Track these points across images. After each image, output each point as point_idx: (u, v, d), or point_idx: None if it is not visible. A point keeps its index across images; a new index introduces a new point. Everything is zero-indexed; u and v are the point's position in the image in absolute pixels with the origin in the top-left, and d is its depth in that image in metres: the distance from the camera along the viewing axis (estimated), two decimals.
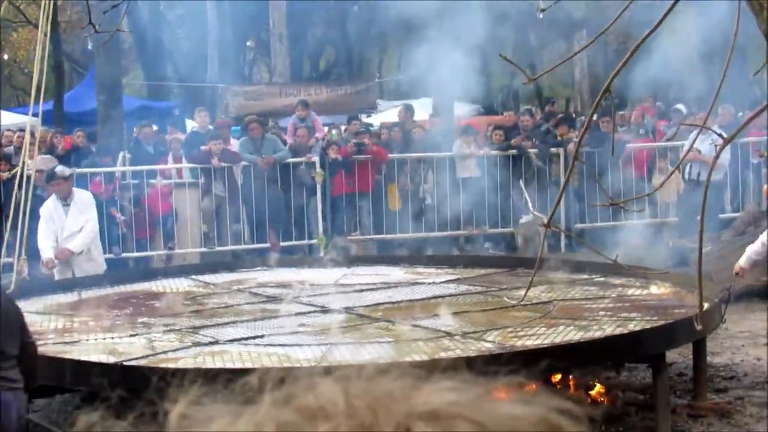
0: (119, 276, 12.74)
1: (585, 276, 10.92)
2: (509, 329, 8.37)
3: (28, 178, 10.98)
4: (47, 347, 8.40)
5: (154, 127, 20.14)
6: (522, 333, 8.21)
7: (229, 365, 7.41)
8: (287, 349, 7.92)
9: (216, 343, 8.35)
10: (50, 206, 12.67)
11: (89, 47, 35.48)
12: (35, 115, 12.16)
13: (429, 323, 8.68)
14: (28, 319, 9.82)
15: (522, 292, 9.72)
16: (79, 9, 32.87)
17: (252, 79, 46.68)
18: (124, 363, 7.48)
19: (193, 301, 10.64)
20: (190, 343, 8.37)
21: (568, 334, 8.10)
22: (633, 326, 8.28)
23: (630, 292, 10.01)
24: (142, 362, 7.62)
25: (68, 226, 12.55)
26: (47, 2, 10.16)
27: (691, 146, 12.57)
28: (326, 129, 22.89)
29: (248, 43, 46.93)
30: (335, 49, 48.33)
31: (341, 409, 1.10)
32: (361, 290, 10.92)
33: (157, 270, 14.21)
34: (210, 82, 34.31)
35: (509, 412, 1.09)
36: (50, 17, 10.39)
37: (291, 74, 34.85)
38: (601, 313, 9.02)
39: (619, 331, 8.11)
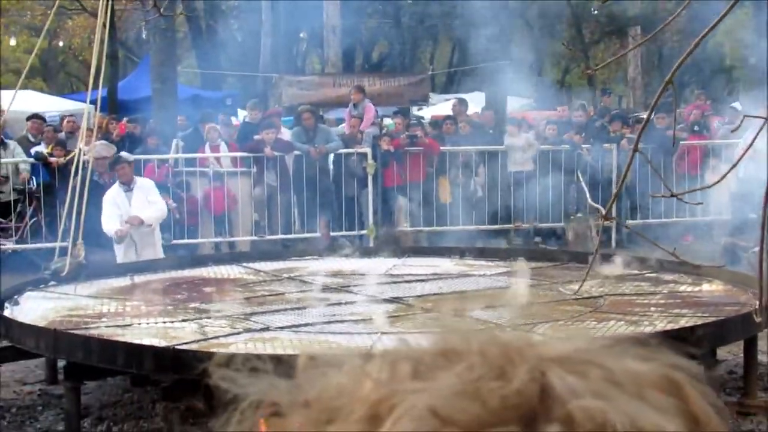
0: (172, 262, 12.86)
1: (636, 271, 10.88)
2: (560, 322, 8.36)
3: (85, 163, 11.08)
4: (99, 330, 8.49)
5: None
6: (572, 326, 8.20)
7: (270, 352, 7.43)
8: (338, 336, 7.97)
9: (267, 329, 8.40)
10: (114, 192, 12.97)
11: (143, 35, 35.72)
12: (92, 102, 12.25)
13: (480, 315, 8.67)
14: (82, 303, 10.00)
15: (573, 286, 9.71)
16: None
17: (304, 70, 46.78)
18: (176, 347, 7.53)
19: (245, 288, 10.70)
20: (241, 330, 8.42)
21: (618, 328, 8.09)
22: (684, 322, 8.24)
23: (682, 288, 9.96)
24: (194, 347, 7.67)
25: (132, 211, 12.80)
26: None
27: (752, 143, 12.41)
28: (380, 119, 22.91)
29: (301, 34, 47.03)
30: (388, 41, 48.33)
31: (474, 349, 1.12)
32: (412, 281, 10.93)
33: (209, 257, 14.31)
34: (263, 72, 34.44)
35: (634, 365, 1.12)
36: (109, 7, 10.46)
37: (343, 66, 34.91)
38: (653, 308, 9.00)
39: (670, 326, 8.08)
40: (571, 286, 9.85)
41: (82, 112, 24.08)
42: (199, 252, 17.01)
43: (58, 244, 11.40)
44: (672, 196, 4.77)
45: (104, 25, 10.43)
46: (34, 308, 9.65)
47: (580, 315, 8.72)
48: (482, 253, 13.00)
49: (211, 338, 8.05)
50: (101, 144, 14.81)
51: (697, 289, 9.91)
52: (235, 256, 13.45)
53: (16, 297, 10.02)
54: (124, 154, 13.75)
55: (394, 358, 1.17)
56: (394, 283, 10.83)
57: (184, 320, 8.89)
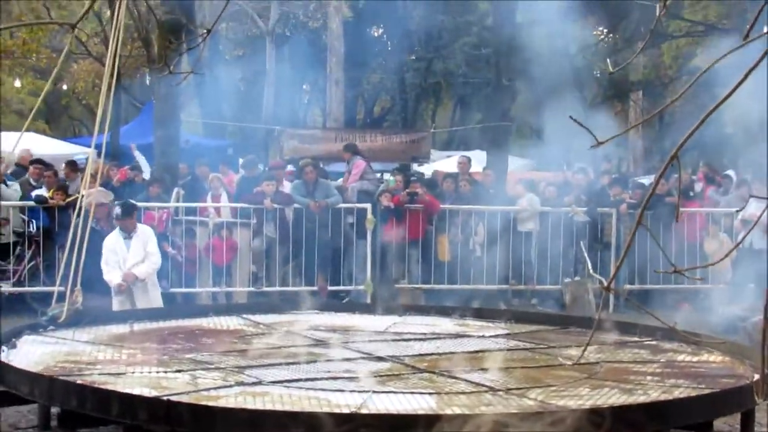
0: (171, 311, 12.88)
1: (636, 339, 10.86)
2: (553, 388, 8.30)
3: (87, 208, 11.09)
4: (93, 377, 8.47)
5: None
6: (565, 393, 8.14)
7: (269, 407, 7.42)
8: (328, 393, 7.92)
9: (259, 383, 8.36)
10: (113, 239, 13.10)
11: (147, 82, 35.88)
12: (98, 147, 12.28)
13: (474, 377, 8.64)
14: (78, 348, 9.97)
15: (571, 351, 9.70)
16: (138, 44, 33.26)
17: (306, 122, 46.98)
18: (168, 398, 7.49)
19: (242, 341, 10.67)
20: (233, 382, 8.37)
21: (611, 396, 8.04)
22: (678, 393, 8.20)
23: (680, 358, 9.91)
24: (184, 398, 7.64)
25: (131, 259, 12.96)
26: (115, 41, 10.28)
27: (758, 220, 12.48)
28: (381, 175, 22.95)
29: (304, 87, 47.27)
30: (390, 97, 48.57)
31: None
32: (410, 339, 10.90)
33: (209, 307, 14.31)
34: (265, 122, 34.58)
35: None
36: (116, 55, 10.50)
37: (345, 119, 35.05)
38: (648, 377, 8.93)
39: (664, 397, 8.03)
40: (569, 352, 9.83)
41: (82, 157, 24.17)
42: (197, 301, 17.03)
43: (56, 289, 11.37)
44: (675, 271, 4.77)
45: (111, 74, 10.44)
46: (31, 352, 9.62)
47: (575, 381, 8.67)
48: (482, 314, 12.96)
49: (202, 390, 8.01)
50: (99, 191, 14.84)
51: (695, 359, 9.86)
52: (235, 307, 13.42)
53: (13, 340, 9.99)
54: (132, 204, 13.89)
55: None
56: (393, 341, 10.81)
57: (178, 371, 8.84)
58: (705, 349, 10.09)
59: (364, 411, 7.21)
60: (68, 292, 10.99)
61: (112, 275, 12.98)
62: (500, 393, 8.00)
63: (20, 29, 34.75)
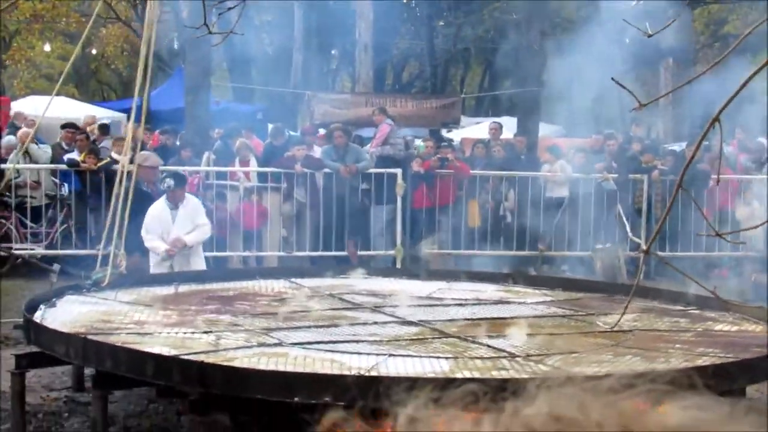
0: (218, 273, 12.93)
1: (680, 307, 10.77)
2: (574, 355, 8.26)
3: (128, 174, 11.13)
4: (120, 337, 8.52)
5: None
6: (585, 359, 8.10)
7: (271, 367, 7.44)
8: (344, 356, 7.93)
9: (280, 344, 8.37)
10: (159, 208, 12.99)
11: (176, 47, 35.88)
12: (136, 111, 12.27)
13: (498, 342, 8.59)
14: (116, 308, 10.03)
15: (609, 319, 9.63)
16: (168, 9, 33.23)
17: (335, 87, 46.90)
18: (201, 360, 7.51)
19: (281, 303, 10.69)
20: (255, 343, 8.39)
21: (631, 364, 7.97)
22: (700, 362, 8.11)
23: (718, 327, 9.79)
24: (201, 357, 7.67)
25: (174, 229, 12.87)
26: (152, 7, 10.29)
27: None
28: (411, 139, 22.89)
29: (332, 52, 47.16)
30: (419, 62, 48.39)
31: (592, 421, 1.11)
32: (449, 305, 10.87)
33: (257, 270, 14.37)
34: (293, 87, 34.54)
35: None
36: (154, 19, 10.51)
37: (374, 84, 34.95)
38: (677, 345, 8.84)
39: (684, 365, 7.93)
40: (607, 318, 9.76)
41: (115, 120, 24.23)
42: (228, 265, 17.09)
43: (99, 253, 11.42)
44: (716, 235, 4.75)
45: (148, 40, 10.45)
46: (67, 312, 9.67)
47: (600, 348, 8.61)
48: (534, 281, 12.90)
49: (221, 350, 8.04)
50: (147, 154, 14.90)
51: (734, 328, 9.75)
52: (283, 271, 13.33)
53: (54, 300, 10.05)
54: (186, 175, 13.96)
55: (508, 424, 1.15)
56: (430, 306, 10.79)
57: (206, 332, 8.85)
58: (746, 318, 10.00)
59: (372, 373, 7.22)
60: (112, 256, 11.05)
61: (154, 243, 12.93)
62: (518, 358, 7.97)
63: None
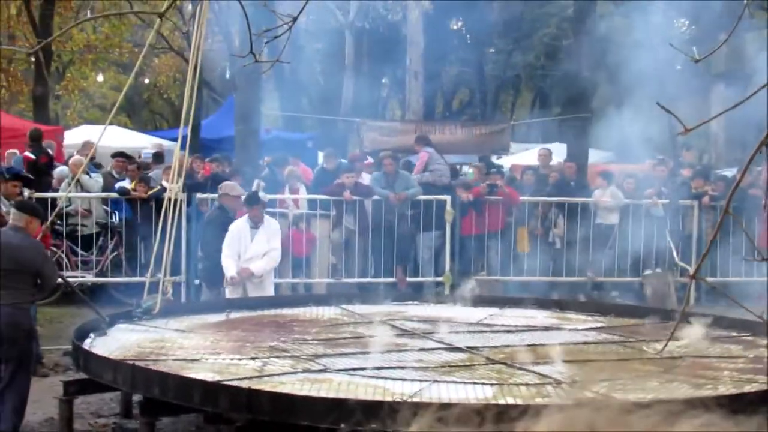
0: (271, 300, 13.02)
1: (734, 333, 10.66)
2: (620, 381, 8.19)
3: (175, 201, 11.23)
4: (168, 363, 8.58)
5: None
6: (631, 386, 8.03)
7: (314, 394, 7.46)
8: (388, 382, 7.94)
9: (324, 371, 8.40)
10: (240, 226, 13.42)
11: (227, 76, 36.12)
12: (183, 142, 12.38)
13: (545, 369, 8.56)
14: (165, 335, 10.10)
15: (659, 345, 9.54)
16: (220, 38, 33.50)
17: (385, 115, 47.00)
18: (249, 386, 7.54)
19: (330, 330, 10.72)
20: (300, 369, 8.44)
21: (678, 391, 7.88)
22: (748, 388, 8.01)
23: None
24: (244, 383, 7.71)
25: (252, 249, 13.17)
26: (198, 35, 10.39)
27: None
28: (460, 167, 22.91)
29: (383, 80, 47.29)
30: (469, 89, 48.42)
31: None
32: (498, 331, 10.86)
33: (309, 296, 14.47)
34: (344, 115, 34.64)
35: None
36: (200, 49, 10.62)
37: (424, 112, 35.00)
38: (726, 373, 8.76)
39: (731, 392, 7.83)
40: (657, 345, 9.67)
41: (168, 149, 24.39)
42: (279, 292, 17.15)
43: (147, 280, 11.54)
44: (764, 260, 4.72)
45: (194, 68, 10.55)
46: (116, 340, 9.78)
47: (648, 375, 8.55)
48: (584, 308, 12.84)
49: (265, 376, 8.08)
50: (229, 184, 15.18)
51: None
52: (335, 298, 13.36)
53: (104, 328, 10.14)
54: (261, 194, 14.15)
55: None
56: (480, 332, 10.78)
57: (253, 358, 8.92)
58: None
59: (415, 399, 7.22)
60: (161, 284, 11.16)
61: (228, 263, 13.20)
62: (564, 385, 7.94)
63: (103, 24, 35.18)
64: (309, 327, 10.94)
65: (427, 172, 19.26)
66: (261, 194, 14.45)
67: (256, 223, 13.33)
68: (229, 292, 13.38)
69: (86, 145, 22.49)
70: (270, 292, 13.76)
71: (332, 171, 18.92)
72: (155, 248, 11.36)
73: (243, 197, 13.95)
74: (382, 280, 17.76)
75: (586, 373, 8.45)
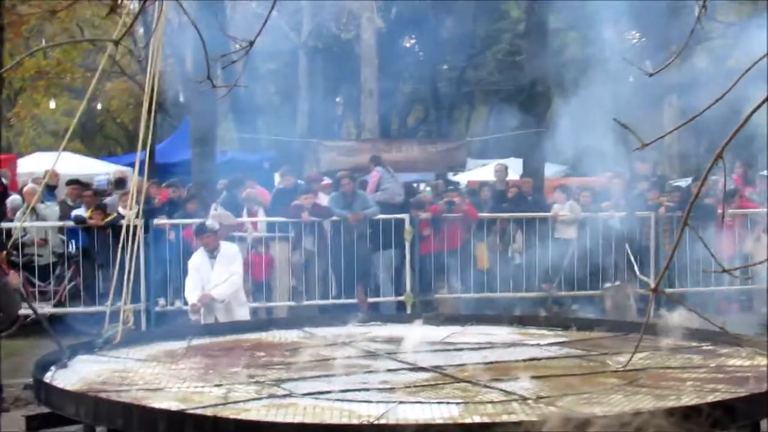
0: (232, 326, 12.97)
1: (694, 344, 10.70)
2: (585, 395, 8.22)
3: (134, 228, 11.16)
4: (131, 393, 8.52)
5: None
6: (596, 400, 8.05)
7: (279, 419, 7.44)
8: (353, 404, 7.91)
9: (290, 395, 8.37)
10: (198, 259, 13.35)
11: (181, 99, 36.03)
12: (141, 168, 12.35)
13: (509, 386, 8.55)
14: (128, 366, 10.02)
15: (622, 358, 9.58)
16: (172, 61, 33.38)
17: (341, 134, 47.04)
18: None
19: (294, 354, 10.67)
20: (265, 395, 8.40)
21: (641, 402, 7.92)
22: (711, 398, 8.06)
23: (732, 362, 9.74)
24: (209, 411, 7.68)
25: (213, 278, 13.16)
26: (154, 58, 10.34)
27: None
28: (418, 186, 22.94)
29: (337, 99, 47.35)
30: (424, 107, 48.56)
31: None
32: (462, 349, 10.82)
33: (271, 321, 14.37)
34: (300, 136, 34.63)
35: None
36: (155, 75, 10.57)
37: (379, 130, 35.04)
38: (689, 383, 8.79)
39: (694, 402, 7.88)
40: (620, 358, 9.70)
41: (121, 176, 24.26)
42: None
43: (107, 310, 11.45)
44: (724, 271, 4.75)
45: (152, 92, 10.51)
46: (77, 371, 9.68)
47: (612, 388, 8.57)
48: (544, 322, 12.86)
49: (230, 403, 8.03)
50: (221, 214, 15.22)
51: (748, 363, 9.67)
52: (297, 321, 13.30)
53: (64, 361, 10.04)
54: (209, 223, 14.05)
55: None
56: (444, 351, 10.75)
57: (217, 385, 8.85)
58: (760, 352, 9.93)
59: (382, 421, 7.23)
60: (122, 313, 11.08)
61: (189, 295, 13.19)
62: (529, 401, 7.94)
63: (54, 49, 34.99)
64: (272, 351, 10.89)
65: (379, 191, 19.31)
66: (209, 222, 14.28)
67: (212, 252, 13.28)
68: (202, 319, 13.35)
69: (37, 180, 22.39)
70: (242, 316, 13.73)
71: (290, 189, 18.91)
72: (114, 277, 11.28)
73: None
74: (343, 301, 17.74)
75: (552, 389, 8.46)
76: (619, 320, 15.12)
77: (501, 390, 8.37)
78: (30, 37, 34.93)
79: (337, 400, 8.11)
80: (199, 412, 7.61)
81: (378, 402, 7.96)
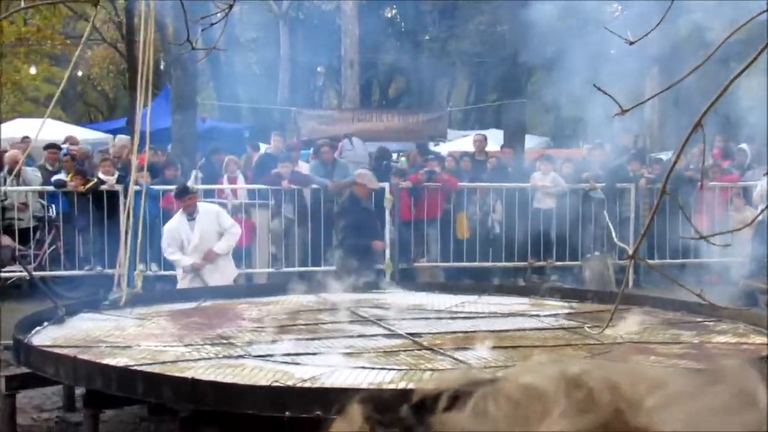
0: (246, 289, 13.03)
1: (699, 319, 10.50)
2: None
3: (139, 192, 11.25)
4: (100, 350, 8.59)
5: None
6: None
7: (219, 379, 7.50)
8: (294, 367, 7.95)
9: (243, 357, 8.41)
10: (176, 223, 13.35)
11: (161, 66, 35.88)
12: (141, 139, 12.39)
13: (470, 355, 8.53)
14: (118, 324, 10.08)
15: (615, 331, 9.57)
16: (155, 28, 33.17)
17: (321, 104, 46.93)
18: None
19: (290, 318, 10.70)
20: (221, 356, 8.45)
21: None
22: None
23: (717, 339, 9.53)
24: (155, 368, 7.77)
25: (194, 240, 13.01)
26: (149, 17, 10.37)
27: None
28: (396, 155, 22.94)
29: (318, 69, 47.21)
30: (405, 77, 48.44)
31: (561, 392, 1.15)
32: (457, 318, 10.82)
33: (287, 285, 14.38)
34: (280, 105, 34.54)
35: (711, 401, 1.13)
36: (150, 39, 10.59)
37: (360, 100, 34.97)
38: (653, 357, 8.65)
39: None
40: (609, 332, 9.60)
41: (101, 141, 24.18)
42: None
43: (117, 273, 11.51)
44: (701, 238, 4.77)
45: (145, 61, 10.52)
46: (72, 326, 9.81)
47: (569, 359, 8.48)
48: (558, 293, 12.74)
49: (181, 361, 8.14)
50: (367, 175, 15.36)
51: (735, 340, 9.46)
52: (315, 286, 13.19)
53: (62, 316, 10.13)
54: (190, 185, 14.05)
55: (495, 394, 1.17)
56: (438, 319, 10.73)
57: (187, 345, 8.91)
58: (753, 331, 9.85)
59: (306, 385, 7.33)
60: (124, 278, 11.14)
61: (175, 257, 13.20)
62: (474, 371, 7.94)
63: (34, 15, 34.77)
64: (270, 315, 10.90)
65: (342, 159, 19.41)
66: (190, 185, 14.30)
67: (191, 214, 13.24)
68: (184, 284, 13.32)
69: (25, 142, 22.26)
70: (232, 273, 13.76)
71: (274, 156, 18.88)
72: (121, 241, 11.35)
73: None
74: (322, 268, 17.75)
75: (509, 359, 8.42)
76: (606, 291, 15.14)
77: (454, 359, 8.38)
78: (9, 2, 34.67)
79: (283, 363, 8.15)
80: (130, 367, 7.75)
81: (319, 366, 8.00)
